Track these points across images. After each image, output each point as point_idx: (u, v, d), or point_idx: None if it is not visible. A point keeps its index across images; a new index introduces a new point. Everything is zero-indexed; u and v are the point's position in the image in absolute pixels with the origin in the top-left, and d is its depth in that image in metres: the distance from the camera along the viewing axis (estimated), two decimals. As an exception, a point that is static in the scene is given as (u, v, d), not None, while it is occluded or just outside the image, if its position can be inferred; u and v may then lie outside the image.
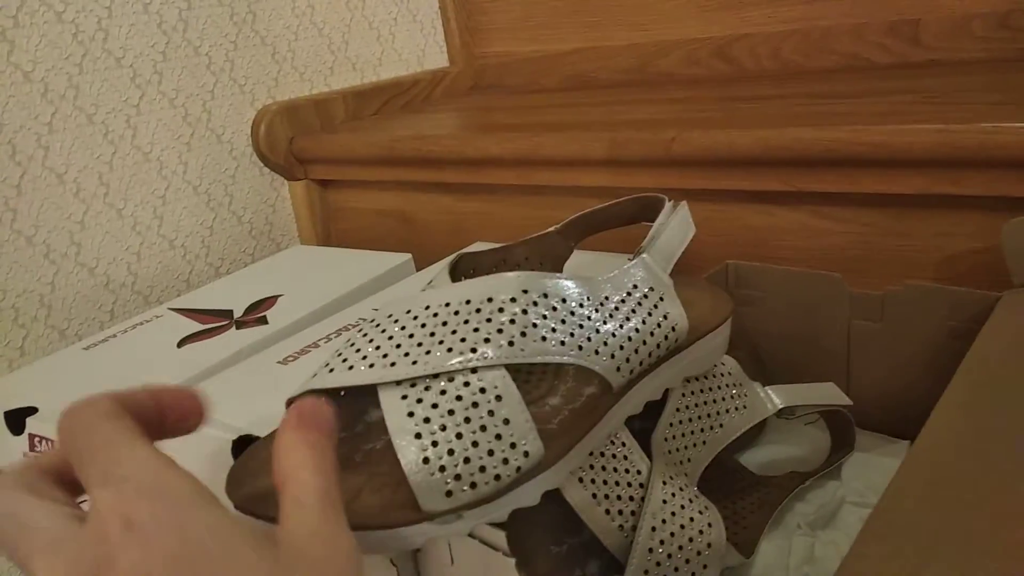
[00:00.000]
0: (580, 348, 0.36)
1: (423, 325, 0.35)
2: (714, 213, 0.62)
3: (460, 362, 0.33)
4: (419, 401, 0.32)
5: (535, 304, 0.35)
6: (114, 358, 0.55)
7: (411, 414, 0.32)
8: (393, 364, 0.33)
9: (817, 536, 0.46)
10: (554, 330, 0.35)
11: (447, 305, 0.35)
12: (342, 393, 0.36)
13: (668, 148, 0.60)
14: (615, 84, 0.93)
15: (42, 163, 0.66)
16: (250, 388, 0.47)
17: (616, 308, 0.37)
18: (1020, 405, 0.35)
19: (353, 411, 0.37)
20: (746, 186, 0.59)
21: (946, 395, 0.37)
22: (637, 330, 0.38)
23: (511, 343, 0.34)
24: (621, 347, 0.37)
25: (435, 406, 0.32)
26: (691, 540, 0.40)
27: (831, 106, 0.62)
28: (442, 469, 0.31)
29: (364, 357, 0.34)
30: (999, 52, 0.71)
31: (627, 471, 0.40)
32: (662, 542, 0.39)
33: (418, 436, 0.32)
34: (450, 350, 0.33)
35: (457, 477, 0.31)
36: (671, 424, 0.44)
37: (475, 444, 0.32)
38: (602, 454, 0.39)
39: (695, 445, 0.45)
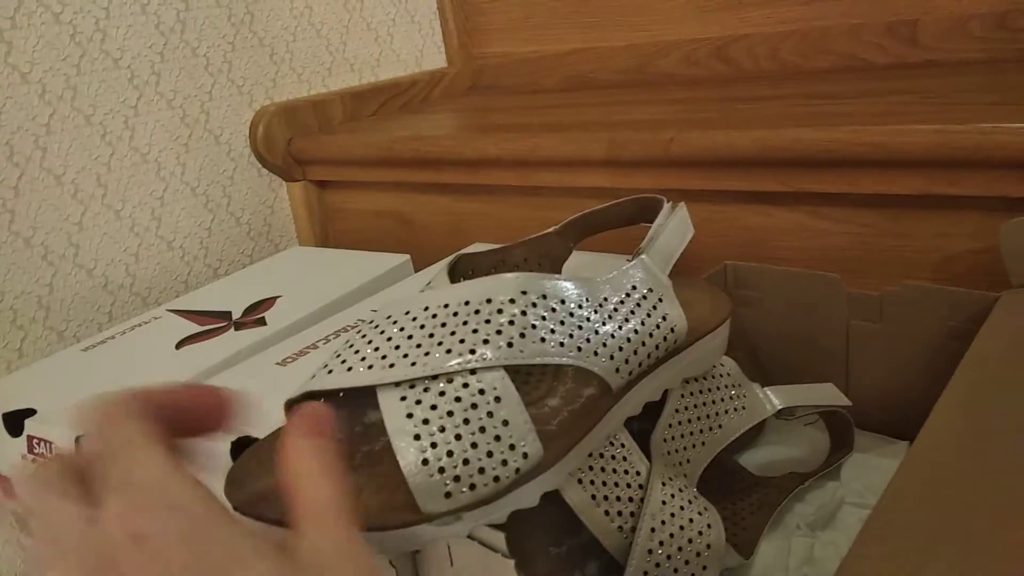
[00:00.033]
0: (579, 349, 0.36)
1: (422, 327, 0.35)
2: (713, 214, 0.62)
3: (459, 363, 0.33)
4: (418, 403, 0.32)
5: (534, 305, 0.35)
6: (113, 360, 0.55)
7: (410, 415, 0.32)
8: (392, 365, 0.33)
9: (816, 537, 0.46)
10: (553, 331, 0.35)
11: (446, 306, 0.35)
12: (340, 395, 0.36)
13: (667, 149, 0.60)
14: (614, 85, 0.93)
15: (40, 164, 0.66)
16: (249, 389, 0.47)
17: (615, 309, 0.37)
18: (1019, 405, 0.35)
19: (352, 413, 0.37)
20: (744, 187, 0.59)
21: (945, 395, 0.37)
22: (636, 331, 0.38)
23: (510, 344, 0.34)
24: (620, 348, 0.37)
25: (434, 407, 0.32)
26: (690, 541, 0.40)
27: (829, 107, 0.62)
28: (441, 471, 0.31)
29: (363, 359, 0.34)
30: (997, 52, 0.71)
31: (626, 472, 0.40)
32: (661, 543, 0.39)
33: (417, 437, 0.32)
34: (449, 351, 0.33)
35: (456, 478, 0.31)
36: (670, 425, 0.44)
37: (474, 445, 0.32)
38: (601, 455, 0.39)
39: (694, 446, 0.45)
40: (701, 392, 0.45)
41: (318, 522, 0.25)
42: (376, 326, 0.36)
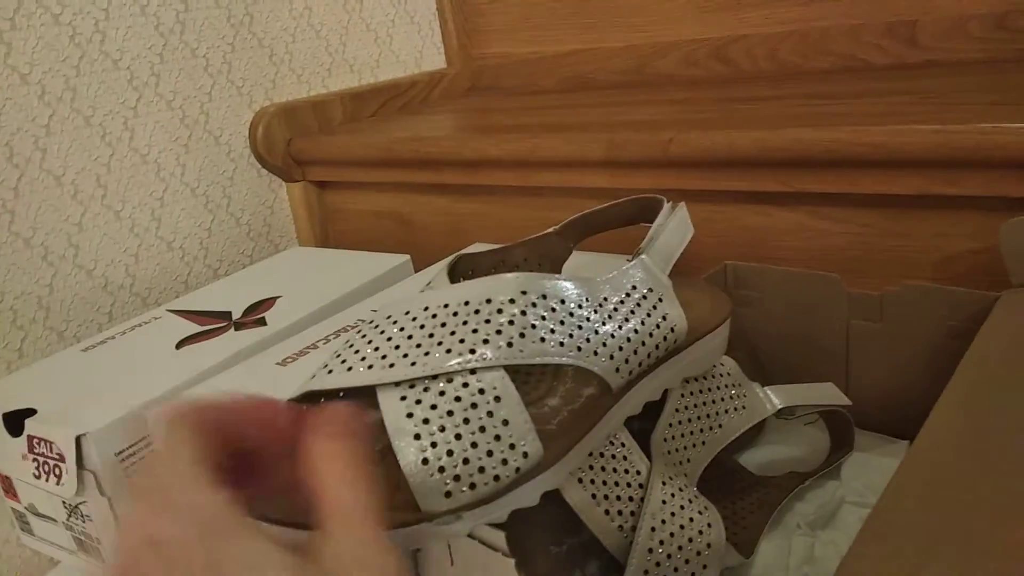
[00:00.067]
0: (579, 349, 0.36)
1: (421, 326, 0.35)
2: (712, 214, 0.62)
3: (459, 363, 0.33)
4: (418, 402, 0.32)
5: (534, 305, 0.35)
6: (113, 360, 0.55)
7: (410, 415, 0.32)
8: (392, 365, 0.33)
9: (817, 536, 0.46)
10: (553, 331, 0.35)
11: (446, 306, 0.35)
12: (340, 395, 0.36)
13: (666, 149, 0.60)
14: (613, 85, 0.93)
15: (40, 165, 0.66)
16: (249, 389, 0.47)
17: (615, 309, 0.37)
18: (1019, 405, 0.35)
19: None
20: (744, 187, 0.59)
21: (945, 395, 0.37)
22: (636, 331, 0.38)
23: (510, 344, 0.34)
24: (620, 348, 0.37)
25: (434, 407, 0.32)
26: (691, 540, 0.40)
27: (829, 107, 0.62)
28: (441, 470, 0.31)
29: (363, 359, 0.34)
30: (996, 53, 0.71)
31: (626, 471, 0.40)
32: (662, 542, 0.39)
33: (417, 437, 0.32)
34: (449, 351, 0.33)
35: (456, 478, 0.31)
36: (670, 424, 0.44)
37: (474, 445, 0.32)
38: (601, 455, 0.40)
39: (694, 445, 0.45)
40: (701, 392, 0.45)
41: (344, 523, 0.25)
42: (376, 326, 0.36)
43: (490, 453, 0.32)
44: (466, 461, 0.32)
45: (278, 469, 0.29)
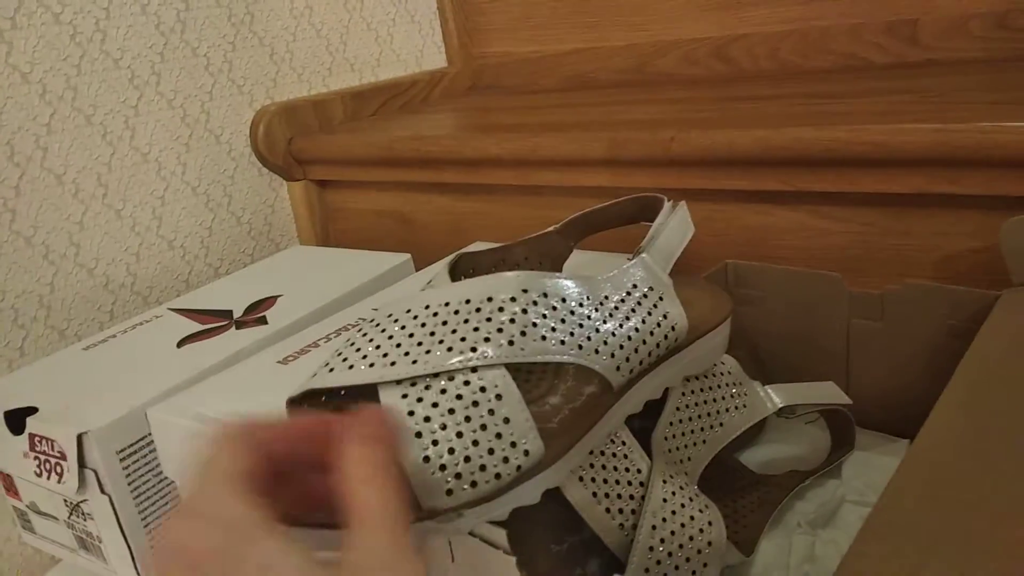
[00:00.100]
0: (580, 347, 0.36)
1: (423, 324, 0.35)
2: (713, 213, 0.62)
3: (460, 361, 0.33)
4: (419, 400, 0.32)
5: (535, 303, 0.35)
6: (114, 358, 0.55)
7: (411, 413, 0.32)
8: (393, 363, 0.33)
9: (817, 535, 0.46)
10: (554, 329, 0.35)
11: (447, 304, 0.35)
12: (342, 392, 0.36)
13: (667, 148, 0.60)
14: (613, 84, 0.93)
15: (40, 164, 0.66)
16: (250, 388, 0.47)
17: (616, 307, 0.37)
18: (1019, 404, 0.35)
19: (350, 410, 0.37)
20: (745, 186, 0.59)
21: (945, 394, 0.37)
22: (637, 329, 0.38)
23: (511, 342, 0.34)
24: (621, 346, 0.37)
25: (435, 405, 0.32)
26: (691, 538, 0.40)
27: (829, 106, 0.63)
28: (442, 468, 0.31)
29: (364, 356, 0.34)
30: (997, 52, 0.71)
31: (627, 470, 0.40)
32: (662, 540, 0.39)
33: (419, 435, 0.32)
34: (450, 349, 0.33)
35: (458, 476, 0.31)
36: (671, 423, 0.44)
37: (475, 443, 0.32)
38: (602, 453, 0.40)
39: (695, 444, 0.45)
40: (702, 390, 0.45)
41: (372, 527, 0.26)
42: (377, 324, 0.36)
43: (491, 451, 0.32)
44: (467, 459, 0.32)
45: (313, 478, 0.29)
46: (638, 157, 0.62)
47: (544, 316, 0.35)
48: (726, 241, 0.62)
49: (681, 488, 0.41)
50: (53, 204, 0.67)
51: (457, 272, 0.44)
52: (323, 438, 0.29)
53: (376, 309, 0.39)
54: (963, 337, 0.43)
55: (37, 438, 0.48)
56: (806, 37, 0.80)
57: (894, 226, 0.56)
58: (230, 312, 0.60)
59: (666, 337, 0.39)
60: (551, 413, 0.36)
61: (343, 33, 0.91)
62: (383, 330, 0.35)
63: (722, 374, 0.47)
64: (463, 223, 0.78)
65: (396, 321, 0.35)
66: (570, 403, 0.36)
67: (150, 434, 0.48)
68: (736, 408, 0.46)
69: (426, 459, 0.31)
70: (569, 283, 0.37)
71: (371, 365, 0.34)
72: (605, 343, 0.36)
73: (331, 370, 0.35)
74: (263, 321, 0.58)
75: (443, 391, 0.33)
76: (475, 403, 0.32)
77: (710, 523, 0.41)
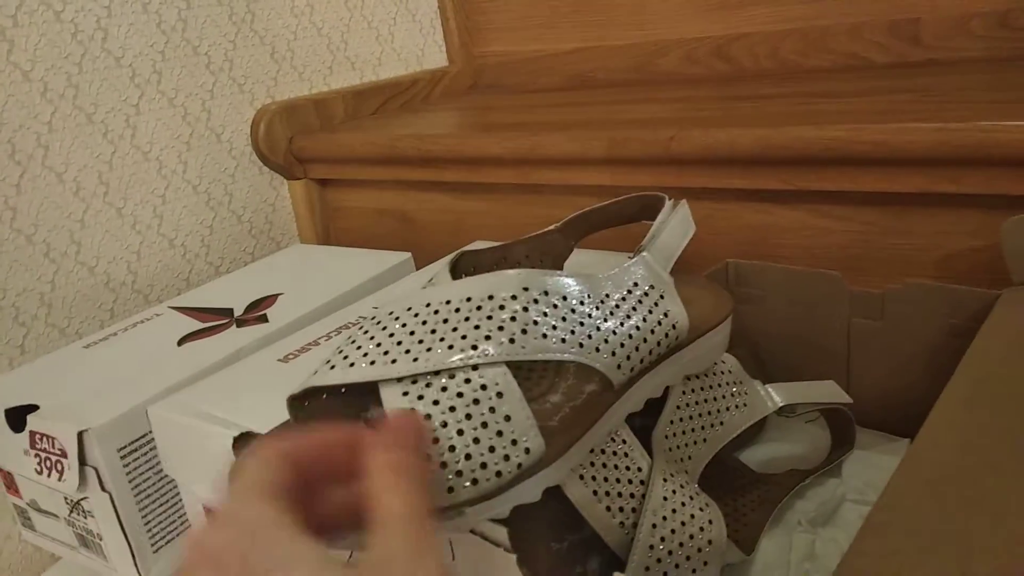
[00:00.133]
0: (581, 345, 0.36)
1: (424, 322, 0.35)
2: (714, 212, 0.62)
3: (461, 359, 0.33)
4: (420, 398, 0.32)
5: (536, 301, 0.35)
6: (114, 356, 0.55)
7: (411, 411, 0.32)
8: (394, 361, 0.33)
9: (818, 533, 0.46)
10: (555, 327, 0.35)
11: (448, 302, 0.35)
12: (342, 390, 0.36)
13: (667, 147, 0.60)
14: (614, 83, 0.93)
15: (42, 162, 0.66)
16: (251, 385, 0.47)
17: (617, 306, 0.38)
18: (1020, 403, 0.35)
19: (354, 408, 0.37)
20: (745, 185, 0.59)
21: (946, 393, 0.37)
22: (638, 328, 0.38)
23: (512, 340, 0.34)
24: (622, 345, 0.37)
25: (436, 403, 0.32)
26: (692, 537, 0.40)
27: (830, 105, 0.63)
28: (444, 466, 0.31)
29: (365, 354, 0.34)
30: (998, 51, 0.71)
31: (628, 468, 0.40)
32: (663, 539, 0.39)
33: (419, 433, 0.32)
34: (451, 347, 0.33)
35: (459, 473, 0.32)
36: (672, 422, 0.44)
37: (476, 441, 0.32)
38: (603, 451, 0.40)
39: (695, 443, 0.45)
40: (702, 389, 0.45)
41: (394, 530, 0.26)
42: (378, 322, 0.36)
43: (492, 449, 0.32)
44: (468, 457, 0.32)
45: (342, 492, 0.30)
46: (639, 156, 0.62)
47: (545, 314, 0.35)
48: (727, 240, 0.62)
49: (682, 487, 0.41)
50: (54, 202, 0.67)
51: (458, 270, 0.44)
52: (353, 449, 0.29)
53: (376, 307, 0.39)
54: (964, 336, 0.43)
55: (38, 436, 0.48)
56: (807, 36, 0.80)
57: (895, 225, 0.56)
58: (231, 310, 0.60)
59: (667, 336, 0.39)
60: (552, 411, 0.36)
61: (344, 32, 0.91)
62: (384, 328, 0.35)
63: (722, 373, 0.47)
64: (464, 222, 0.78)
65: (397, 319, 0.35)
66: (571, 401, 0.36)
67: (151, 432, 0.48)
68: (736, 407, 0.46)
69: (427, 457, 0.31)
70: (570, 281, 0.37)
71: (371, 363, 0.34)
72: (606, 341, 0.36)
73: (332, 367, 0.35)
74: (264, 319, 0.58)
75: (444, 389, 0.33)
76: (476, 401, 0.32)
77: (710, 521, 0.41)
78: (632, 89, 0.87)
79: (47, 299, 0.67)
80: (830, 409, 0.52)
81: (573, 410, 0.36)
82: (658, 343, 0.39)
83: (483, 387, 0.33)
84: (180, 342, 0.56)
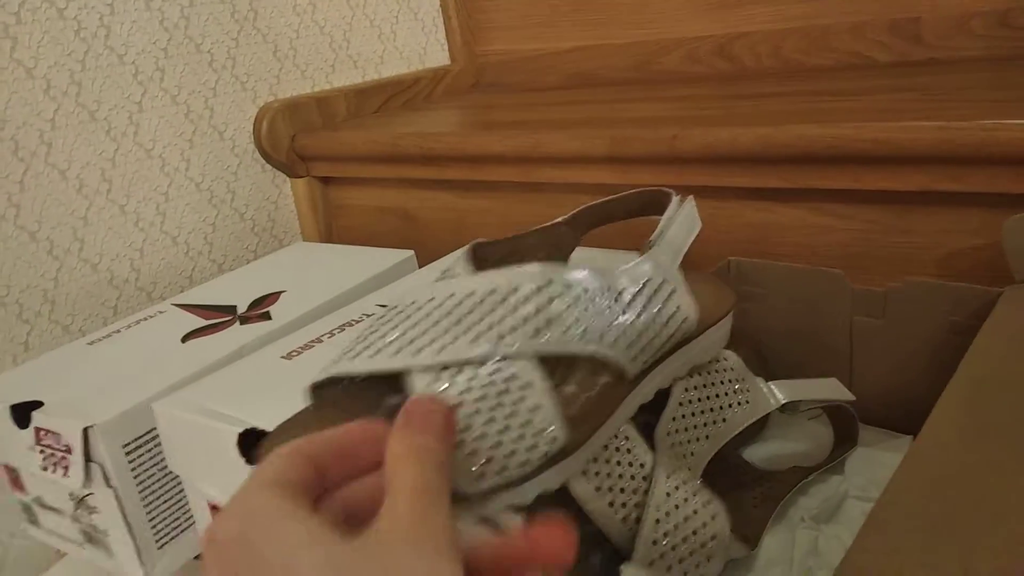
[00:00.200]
0: (600, 338, 0.36)
1: (448, 313, 0.35)
2: (716, 210, 0.62)
3: (488, 349, 0.33)
4: (448, 387, 0.33)
5: (560, 295, 0.36)
6: (118, 353, 0.55)
7: None
8: (420, 350, 0.34)
9: (820, 530, 0.47)
10: (577, 320, 0.36)
11: (472, 294, 0.35)
12: (361, 379, 0.36)
13: (670, 145, 0.60)
14: (616, 82, 0.93)
15: (45, 159, 0.66)
16: (255, 382, 0.48)
17: (632, 300, 0.38)
18: (1021, 400, 0.35)
19: (372, 397, 0.37)
20: (747, 183, 0.59)
21: (948, 390, 0.37)
22: (653, 321, 0.38)
23: (536, 332, 0.34)
24: (637, 336, 0.37)
25: (466, 392, 0.33)
26: (695, 532, 0.40)
27: (832, 103, 0.63)
28: (474, 453, 0.32)
29: (389, 343, 0.34)
30: (999, 50, 0.71)
31: (631, 464, 0.40)
32: (666, 534, 0.39)
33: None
34: (478, 337, 0.34)
35: (488, 460, 0.32)
36: (674, 419, 0.44)
37: (507, 429, 0.32)
38: (606, 447, 0.40)
39: (698, 439, 0.45)
40: (705, 386, 0.46)
41: (403, 499, 0.26)
42: (401, 311, 0.36)
43: (521, 437, 0.33)
44: (498, 444, 0.32)
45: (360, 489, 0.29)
46: (641, 154, 0.62)
47: (568, 307, 0.36)
48: (729, 238, 0.63)
49: (684, 482, 0.41)
50: (57, 199, 0.67)
51: (476, 259, 0.44)
52: (374, 442, 0.29)
53: (382, 305, 0.39)
54: (965, 334, 0.43)
55: (43, 432, 0.48)
56: (809, 35, 0.81)
57: (897, 223, 0.56)
58: (234, 308, 0.61)
59: (678, 328, 0.40)
60: (570, 401, 0.36)
61: (346, 30, 0.91)
62: (407, 317, 0.35)
63: (725, 370, 0.47)
64: (466, 220, 0.78)
65: (420, 309, 0.36)
66: (587, 392, 0.37)
67: (155, 428, 0.48)
68: (739, 404, 0.46)
69: (460, 443, 0.32)
70: (591, 275, 0.37)
71: (397, 352, 0.34)
72: (624, 334, 0.37)
73: (355, 356, 0.35)
74: (267, 317, 0.58)
75: (472, 378, 0.33)
76: (505, 391, 0.33)
77: (714, 517, 0.41)
78: (634, 88, 0.87)
79: (50, 296, 0.67)
80: (833, 406, 0.53)
81: (589, 400, 0.36)
82: (670, 336, 0.39)
83: (510, 378, 0.33)
84: (184, 339, 0.56)
